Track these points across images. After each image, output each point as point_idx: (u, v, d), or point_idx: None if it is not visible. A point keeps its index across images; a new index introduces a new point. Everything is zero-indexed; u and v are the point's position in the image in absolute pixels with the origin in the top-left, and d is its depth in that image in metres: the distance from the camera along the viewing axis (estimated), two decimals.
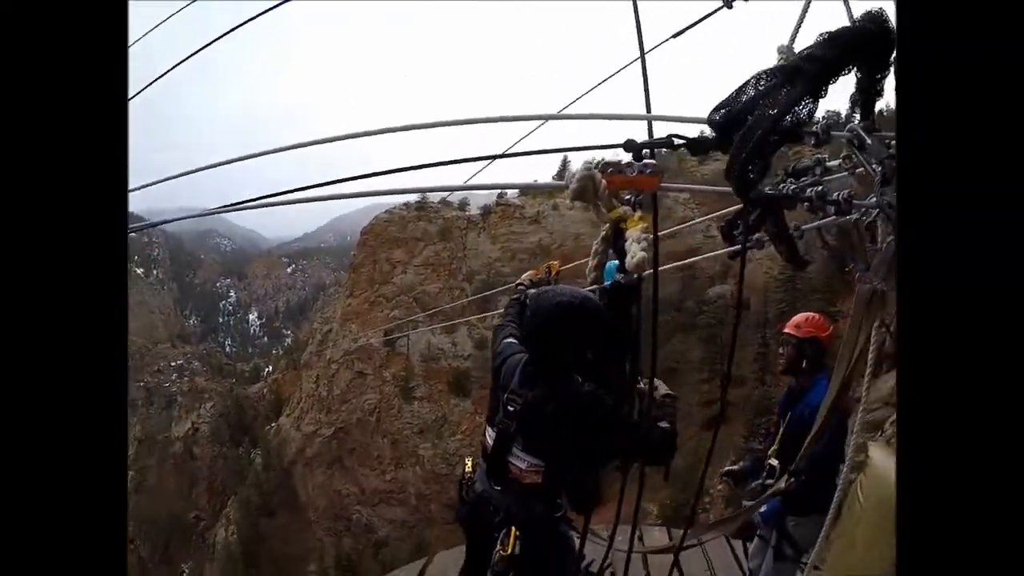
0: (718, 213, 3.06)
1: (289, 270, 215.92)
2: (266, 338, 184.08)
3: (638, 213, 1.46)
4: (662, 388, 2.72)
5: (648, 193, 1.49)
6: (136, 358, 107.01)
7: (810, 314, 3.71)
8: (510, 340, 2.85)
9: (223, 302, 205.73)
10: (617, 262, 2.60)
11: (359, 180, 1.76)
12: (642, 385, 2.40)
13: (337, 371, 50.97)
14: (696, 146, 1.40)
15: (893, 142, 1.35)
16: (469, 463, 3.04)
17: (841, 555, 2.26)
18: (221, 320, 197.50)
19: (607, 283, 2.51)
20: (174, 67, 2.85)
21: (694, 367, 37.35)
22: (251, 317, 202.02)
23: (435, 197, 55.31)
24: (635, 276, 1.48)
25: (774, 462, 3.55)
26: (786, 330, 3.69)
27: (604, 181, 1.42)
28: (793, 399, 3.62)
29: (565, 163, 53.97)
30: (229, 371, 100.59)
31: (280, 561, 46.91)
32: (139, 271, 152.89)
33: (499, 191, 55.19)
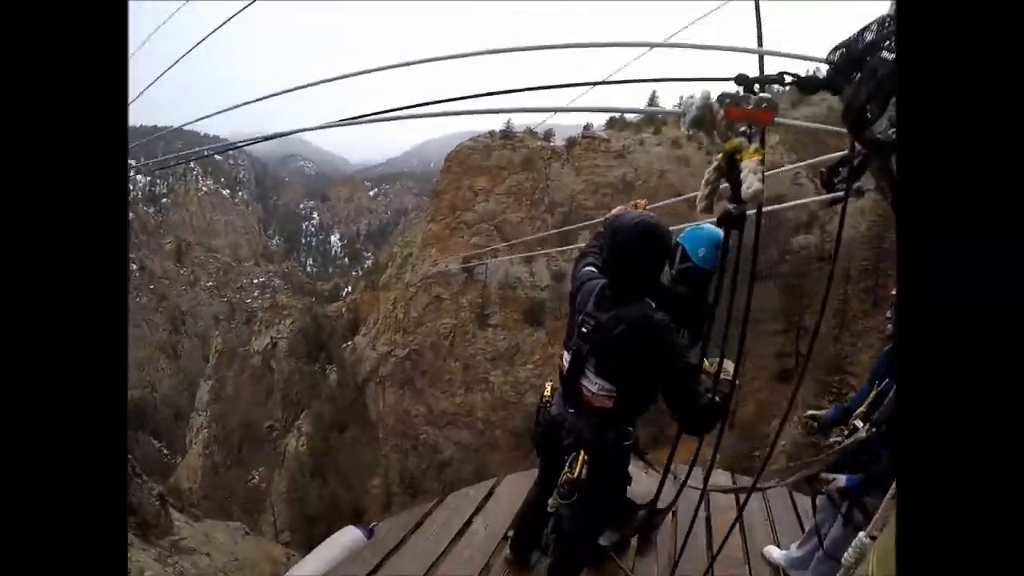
0: (814, 160, 3.12)
1: (372, 194, 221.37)
2: (347, 259, 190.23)
3: (754, 145, 1.45)
4: (729, 367, 2.62)
5: (762, 127, 1.50)
6: (220, 275, 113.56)
7: None
8: (589, 268, 2.86)
9: (306, 223, 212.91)
10: (700, 230, 3.07)
11: (450, 102, 1.80)
12: (708, 362, 2.50)
13: (415, 294, 52.19)
14: (807, 85, 1.44)
15: None
16: (548, 387, 3.09)
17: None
18: (304, 240, 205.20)
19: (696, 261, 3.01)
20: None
21: (771, 316, 36.17)
22: (333, 239, 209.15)
23: (520, 127, 54.85)
24: (749, 206, 1.50)
25: (859, 423, 3.28)
26: (892, 292, 3.30)
27: (723, 111, 1.42)
28: (893, 364, 3.27)
29: (654, 98, 52.79)
30: (309, 289, 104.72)
31: (346, 474, 49.38)
32: (225, 192, 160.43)
33: (585, 124, 54.04)
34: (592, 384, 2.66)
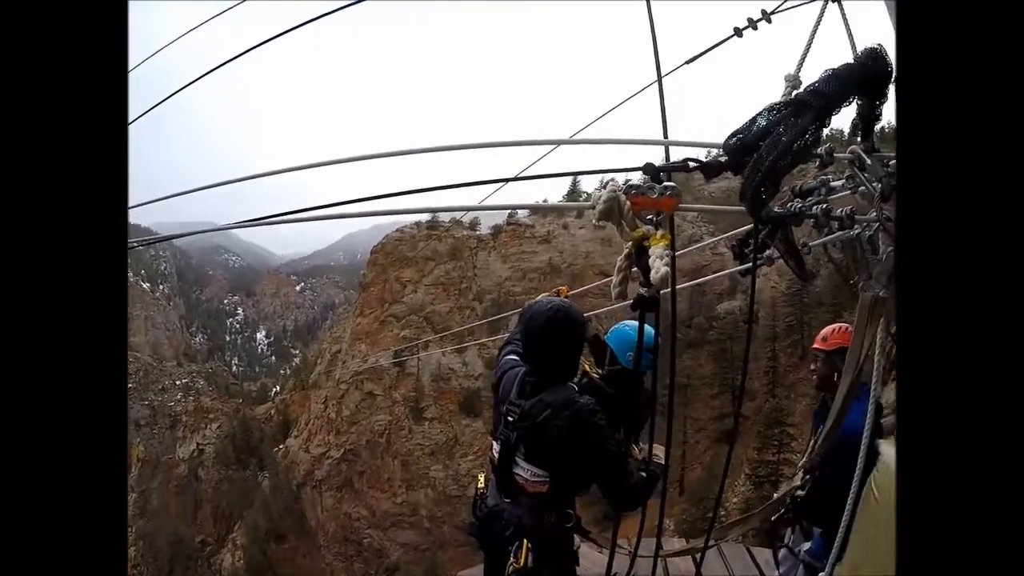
0: (729, 233, 3.27)
1: (298, 288, 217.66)
2: (274, 357, 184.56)
3: (659, 231, 1.54)
4: (660, 454, 2.84)
5: (668, 213, 1.58)
6: (140, 375, 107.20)
7: (837, 325, 3.61)
8: (511, 356, 2.92)
9: (230, 319, 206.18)
10: (628, 330, 3.08)
11: (375, 200, 1.84)
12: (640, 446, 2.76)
13: (346, 392, 50.85)
14: (709, 169, 1.50)
15: (891, 161, 1.55)
16: (482, 479, 3.08)
17: (860, 557, 2.28)
18: (228, 338, 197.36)
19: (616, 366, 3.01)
20: (188, 85, 2.93)
21: (705, 382, 37.71)
22: (259, 336, 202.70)
23: (445, 217, 55.71)
24: (658, 290, 1.54)
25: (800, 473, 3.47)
26: (814, 346, 3.60)
27: (629, 202, 1.52)
28: (827, 412, 3.42)
29: (575, 185, 54.93)
30: (236, 391, 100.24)
31: None
32: (145, 285, 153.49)
33: (509, 212, 55.43)
34: (524, 471, 2.66)
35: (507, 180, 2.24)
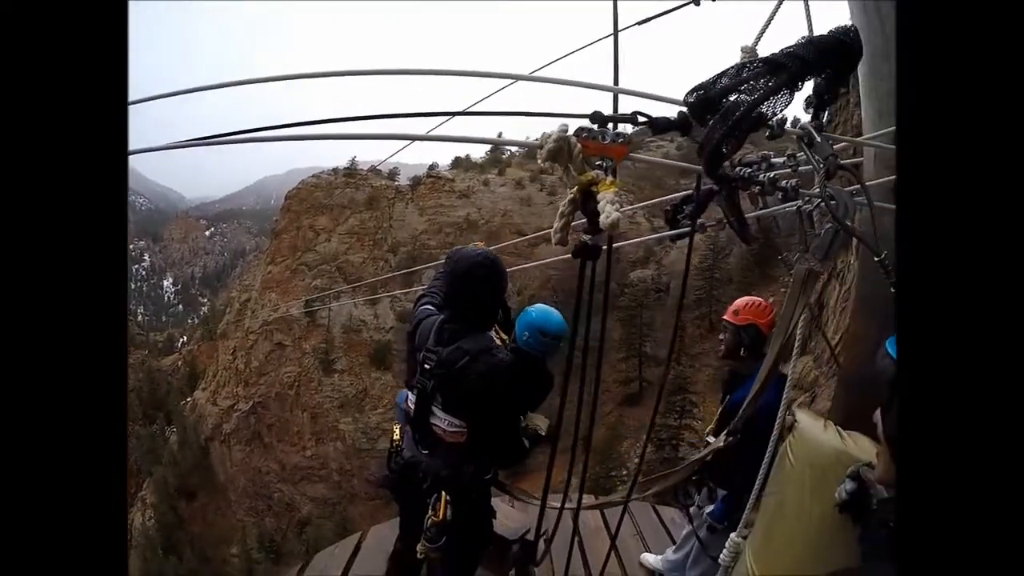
0: (654, 200, 3.70)
1: (208, 233, 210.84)
2: (181, 306, 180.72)
3: (609, 178, 1.50)
4: (540, 422, 2.86)
5: (617, 162, 1.54)
6: None
7: (751, 299, 3.61)
8: (427, 306, 2.90)
9: (136, 266, 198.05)
10: (532, 311, 2.90)
11: (312, 125, 1.72)
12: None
13: (256, 342, 49.54)
14: (657, 125, 1.51)
15: (835, 144, 1.65)
16: (396, 430, 3.05)
17: (771, 517, 2.39)
18: (133, 286, 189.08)
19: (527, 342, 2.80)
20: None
21: (613, 346, 37.80)
22: (166, 283, 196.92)
23: (363, 164, 54.44)
24: (604, 237, 1.57)
25: (711, 439, 3.55)
26: (725, 317, 3.63)
27: (579, 144, 1.48)
28: (734, 383, 3.67)
29: (500, 137, 54.63)
30: (141, 342, 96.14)
31: (201, 544, 45.60)
32: None
33: (431, 163, 54.68)
34: (442, 421, 2.67)
35: (452, 114, 2.24)
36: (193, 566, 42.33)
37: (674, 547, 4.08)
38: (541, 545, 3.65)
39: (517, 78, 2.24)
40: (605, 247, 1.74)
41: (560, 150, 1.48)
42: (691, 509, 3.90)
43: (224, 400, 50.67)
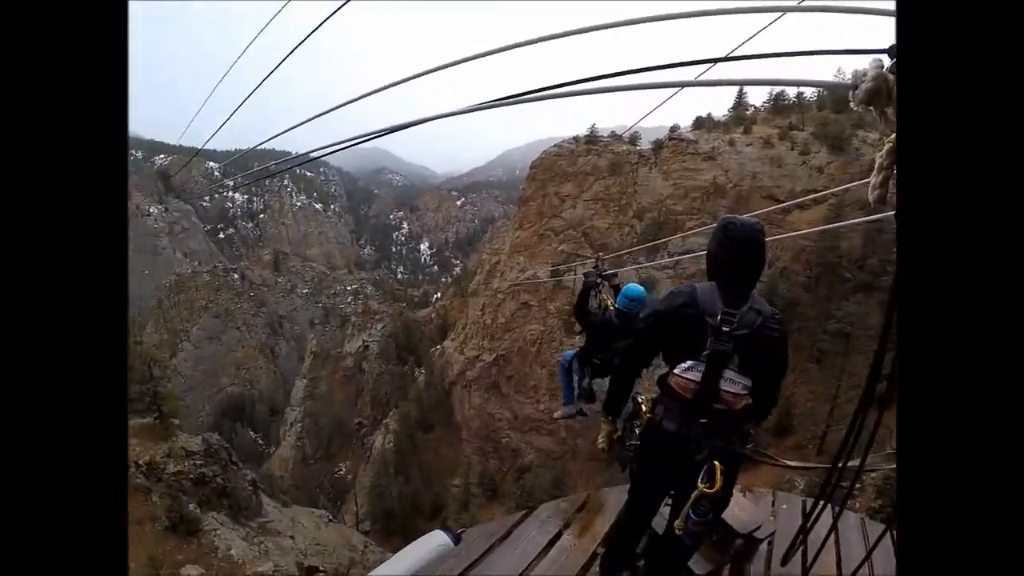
0: None
1: (459, 203, 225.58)
2: (436, 267, 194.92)
3: None
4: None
5: None
6: (315, 282, 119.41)
7: None
8: (677, 288, 2.89)
9: (396, 233, 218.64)
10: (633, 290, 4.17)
11: (574, 84, 1.67)
12: None
13: (503, 301, 52.43)
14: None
15: None
16: (645, 405, 3.03)
17: None
18: (394, 249, 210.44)
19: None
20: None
21: (869, 333, 32.67)
22: (422, 247, 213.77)
23: (604, 131, 54.10)
24: None
25: None
26: None
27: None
28: None
29: (741, 94, 50.64)
30: (400, 296, 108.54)
31: (428, 472, 50.63)
32: (318, 206, 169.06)
33: (672, 125, 52.46)
34: (734, 385, 2.70)
35: (715, 61, 2.04)
36: (417, 488, 46.83)
37: None
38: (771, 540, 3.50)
39: (785, 10, 1.94)
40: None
41: (878, 90, 1.25)
42: None
43: (470, 351, 54.70)
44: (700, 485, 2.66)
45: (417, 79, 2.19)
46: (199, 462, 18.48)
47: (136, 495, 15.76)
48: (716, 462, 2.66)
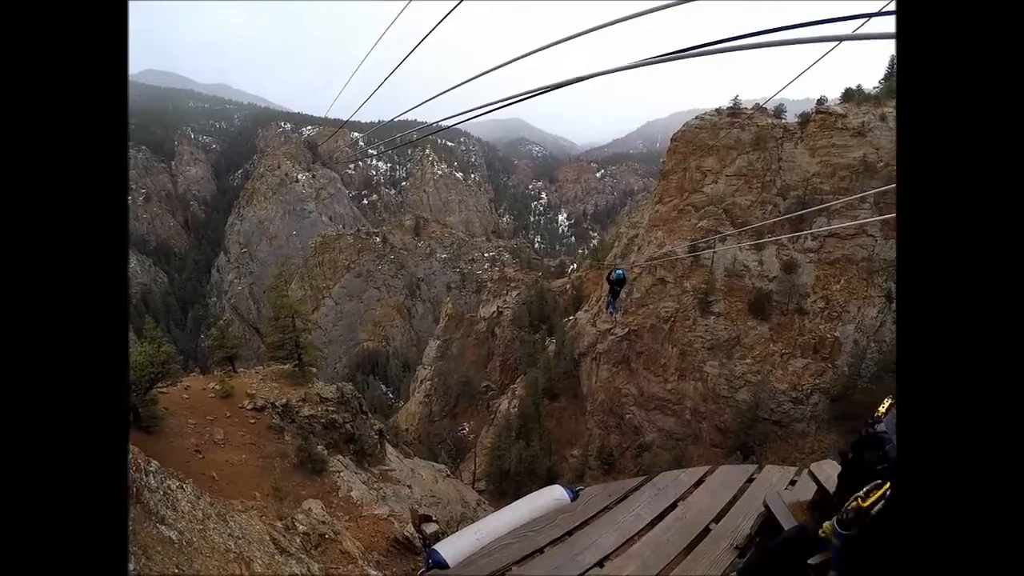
0: None
1: (598, 175, 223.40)
2: (573, 238, 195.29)
3: None
4: None
5: None
6: (454, 248, 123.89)
7: None
8: None
9: (534, 203, 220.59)
10: None
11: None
12: None
13: (639, 276, 51.60)
14: None
15: None
16: (885, 404, 2.87)
17: None
18: (532, 219, 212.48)
19: None
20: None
21: None
22: (560, 218, 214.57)
23: (747, 102, 51.09)
24: None
25: None
26: None
27: None
28: None
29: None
30: (536, 265, 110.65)
31: (549, 439, 51.25)
32: (458, 175, 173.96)
33: (820, 97, 48.26)
34: None
35: (871, 15, 1.98)
36: (535, 453, 47.47)
37: None
38: None
39: None
40: None
41: None
42: None
43: (602, 324, 54.24)
44: (859, 494, 2.55)
45: (560, 44, 2.12)
46: (331, 408, 19.78)
47: (270, 433, 17.03)
48: (888, 482, 2.52)
